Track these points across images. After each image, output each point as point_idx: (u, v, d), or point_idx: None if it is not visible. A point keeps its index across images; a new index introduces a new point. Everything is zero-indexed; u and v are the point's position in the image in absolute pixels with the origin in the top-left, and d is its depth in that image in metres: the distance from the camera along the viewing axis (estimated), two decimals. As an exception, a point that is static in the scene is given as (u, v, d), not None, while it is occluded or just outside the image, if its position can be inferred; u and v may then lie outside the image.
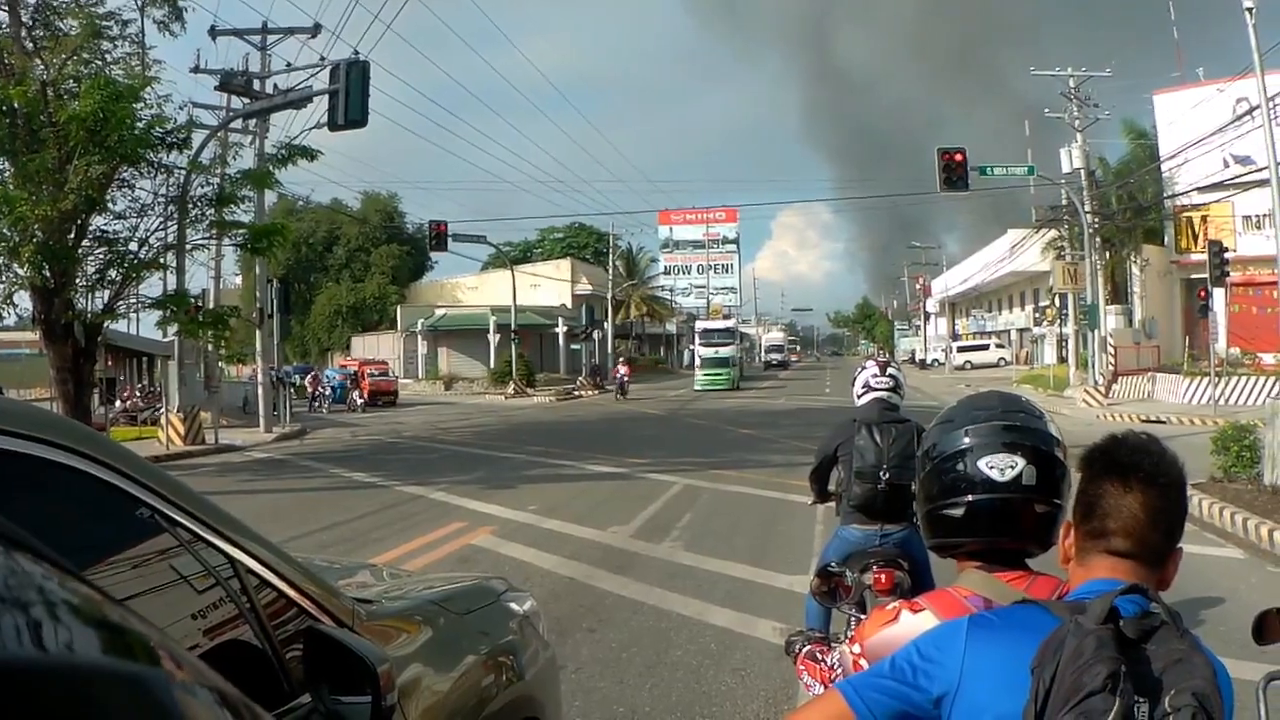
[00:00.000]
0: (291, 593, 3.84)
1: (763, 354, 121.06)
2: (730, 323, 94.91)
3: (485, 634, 5.40)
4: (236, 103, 41.32)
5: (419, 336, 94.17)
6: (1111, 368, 56.64)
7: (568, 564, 15.82)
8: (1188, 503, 2.81)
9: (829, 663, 3.90)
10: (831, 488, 9.23)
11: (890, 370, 9.09)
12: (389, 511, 21.85)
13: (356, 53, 32.11)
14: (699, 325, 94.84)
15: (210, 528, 3.43)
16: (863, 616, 5.00)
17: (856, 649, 3.40)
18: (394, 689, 3.66)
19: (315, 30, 42.23)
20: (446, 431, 43.62)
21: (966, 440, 3.29)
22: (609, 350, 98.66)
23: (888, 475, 8.21)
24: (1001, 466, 3.20)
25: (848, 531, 8.54)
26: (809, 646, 4.23)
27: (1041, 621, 2.53)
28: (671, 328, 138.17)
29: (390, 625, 4.68)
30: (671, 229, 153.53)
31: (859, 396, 8.95)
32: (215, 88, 41.72)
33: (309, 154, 32.15)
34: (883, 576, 7.91)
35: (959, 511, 3.25)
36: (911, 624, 3.18)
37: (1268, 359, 49.98)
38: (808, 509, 17.42)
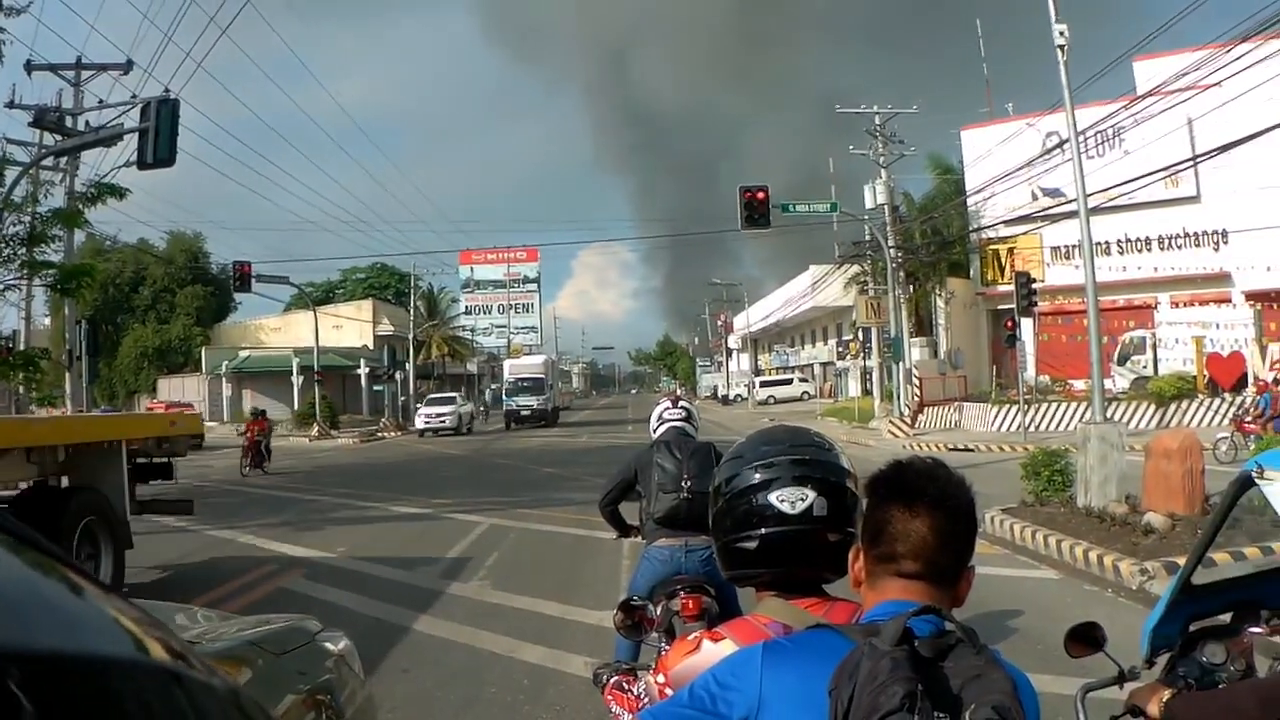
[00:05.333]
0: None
1: (504, 393, 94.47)
2: (540, 363, 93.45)
3: (303, 674, 5.37)
4: (50, 139, 40.62)
5: (223, 379, 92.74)
6: (917, 399, 57.59)
7: (377, 604, 15.83)
8: (977, 524, 2.91)
9: (635, 692, 3.99)
10: (633, 522, 9.55)
11: (682, 403, 9.64)
12: (199, 555, 21.70)
13: (168, 90, 31.66)
14: (507, 368, 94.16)
15: None
16: (668, 647, 5.10)
17: (661, 678, 3.48)
18: None
19: (128, 67, 41.66)
20: (253, 474, 43.15)
21: (757, 476, 3.39)
22: (411, 391, 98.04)
23: (689, 484, 8.51)
24: (792, 499, 3.31)
25: (655, 550, 8.72)
26: (616, 677, 4.32)
27: (836, 645, 2.59)
28: (473, 368, 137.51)
29: (216, 664, 4.62)
30: (473, 269, 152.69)
31: (655, 430, 9.37)
32: (29, 124, 40.96)
33: (118, 192, 31.69)
34: (690, 603, 8.11)
35: (753, 544, 3.34)
36: (712, 652, 3.23)
37: (1079, 385, 51.09)
38: (613, 545, 16.88)
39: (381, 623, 14.57)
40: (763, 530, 3.32)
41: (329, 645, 5.97)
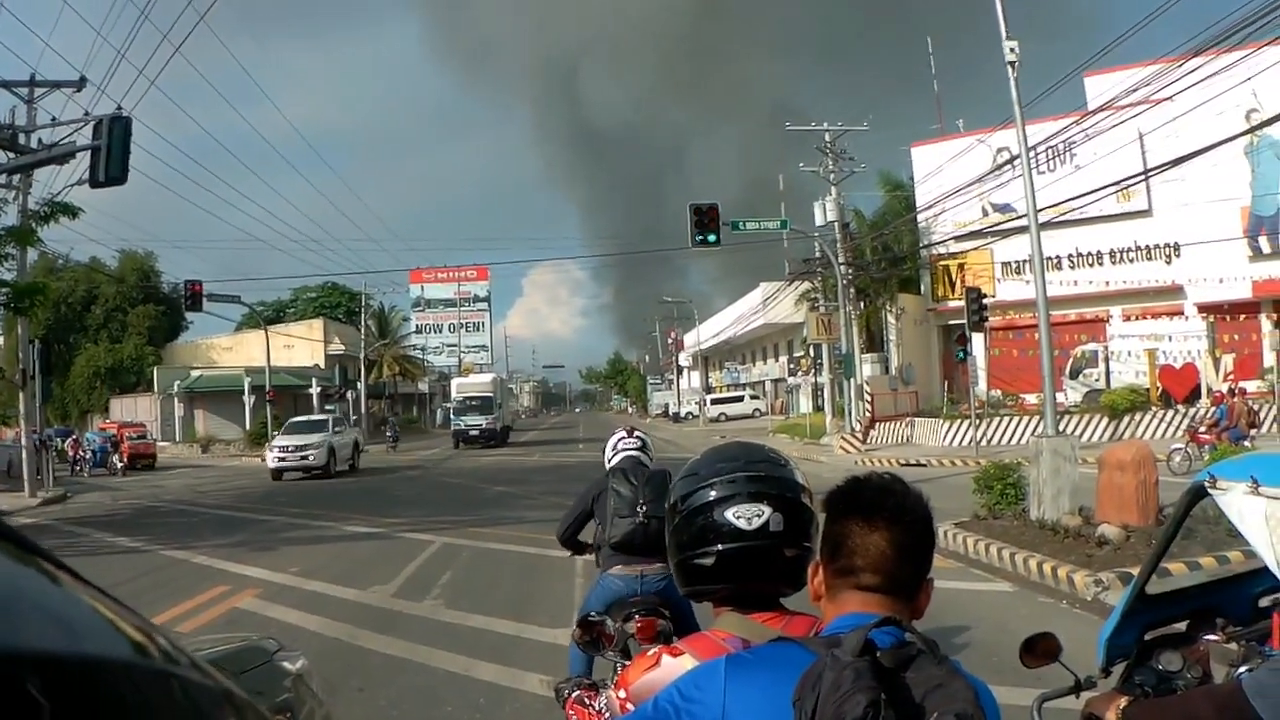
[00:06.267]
0: None
1: (452, 413, 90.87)
2: (488, 382, 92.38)
3: (260, 694, 5.29)
4: (2, 156, 40.33)
5: (175, 398, 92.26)
6: (868, 415, 57.67)
7: (332, 624, 15.78)
8: (934, 536, 2.94)
9: (597, 707, 4.05)
10: (589, 540, 9.57)
11: (637, 433, 9.67)
12: (153, 576, 21.53)
13: (120, 108, 31.49)
14: (455, 386, 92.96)
15: None
16: (627, 663, 5.07)
17: (622, 694, 3.44)
18: None
19: (81, 84, 41.38)
20: (206, 495, 42.93)
21: (713, 493, 3.41)
22: (363, 410, 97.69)
23: (644, 508, 8.50)
24: (748, 515, 3.32)
25: (609, 580, 8.75)
26: (578, 691, 4.30)
27: (798, 657, 2.57)
28: (424, 387, 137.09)
29: None
30: (423, 288, 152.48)
31: (611, 460, 9.34)
32: (-18, 142, 40.64)
33: (71, 211, 31.62)
34: (645, 625, 8.13)
35: (710, 560, 3.37)
36: (672, 667, 3.23)
37: (1030, 399, 51.29)
38: (566, 563, 16.83)
39: (336, 642, 14.54)
40: (720, 546, 3.34)
41: (286, 665, 5.95)
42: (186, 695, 1.31)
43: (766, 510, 3.33)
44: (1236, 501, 4.22)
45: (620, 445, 9.45)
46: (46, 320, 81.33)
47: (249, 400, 79.56)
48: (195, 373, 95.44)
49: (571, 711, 4.28)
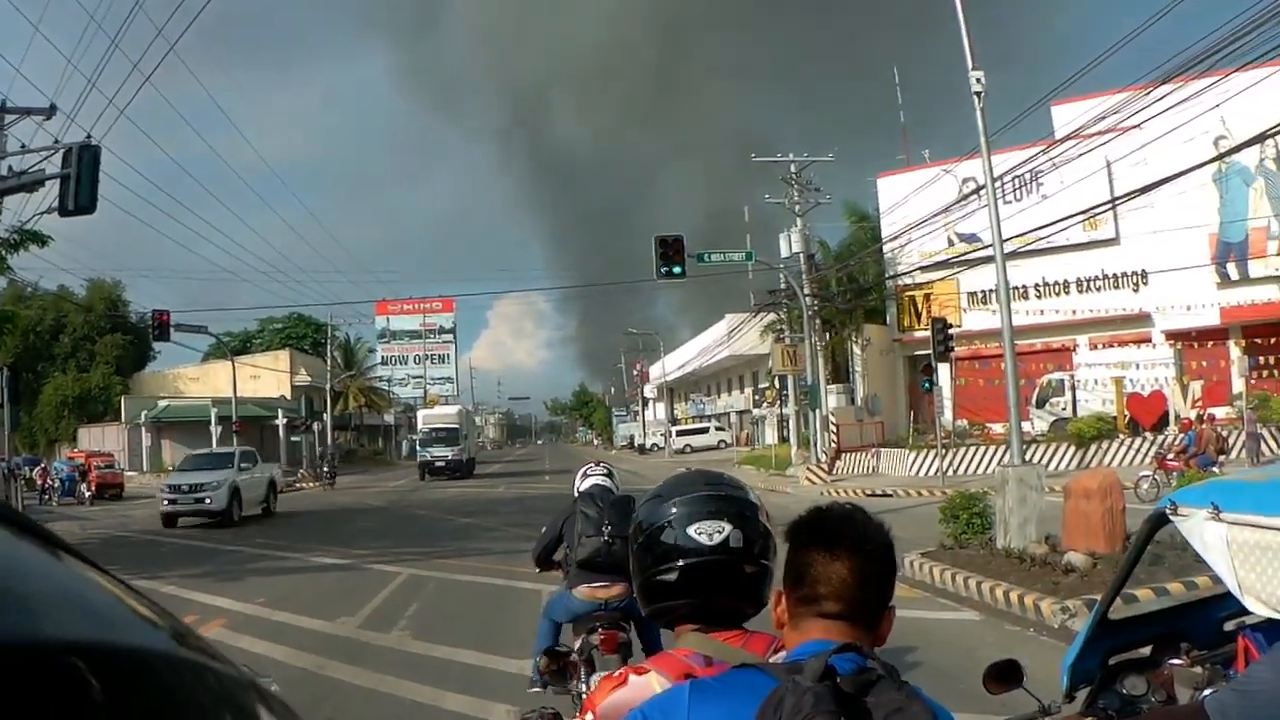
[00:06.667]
0: None
1: (418, 444, 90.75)
2: (454, 413, 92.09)
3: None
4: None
5: (143, 428, 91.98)
6: (834, 445, 57.81)
7: (299, 655, 15.75)
8: (896, 565, 3.03)
9: None
10: (556, 558, 10.41)
11: (604, 465, 10.82)
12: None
13: (89, 136, 31.39)
14: (421, 418, 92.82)
15: None
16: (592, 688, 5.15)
17: (589, 717, 3.47)
18: None
19: (51, 111, 41.25)
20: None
21: (674, 510, 3.54)
22: (329, 441, 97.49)
23: (609, 529, 9.10)
24: (709, 531, 3.45)
25: (571, 599, 9.50)
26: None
27: (760, 683, 2.61)
28: (390, 418, 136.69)
29: None
30: (389, 319, 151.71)
31: (580, 486, 10.25)
32: (-48, 170, 40.43)
33: (40, 239, 31.56)
34: (607, 638, 8.90)
35: (673, 576, 3.48)
36: (638, 685, 3.34)
37: (997, 428, 51.22)
38: (532, 594, 18.13)
39: (304, 672, 14.50)
40: (682, 562, 3.45)
41: (266, 688, 5.83)
42: (220, 684, 1.34)
43: (727, 527, 3.45)
44: (1198, 527, 4.26)
45: (589, 473, 10.43)
46: (15, 349, 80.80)
47: (215, 431, 79.07)
48: (162, 403, 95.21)
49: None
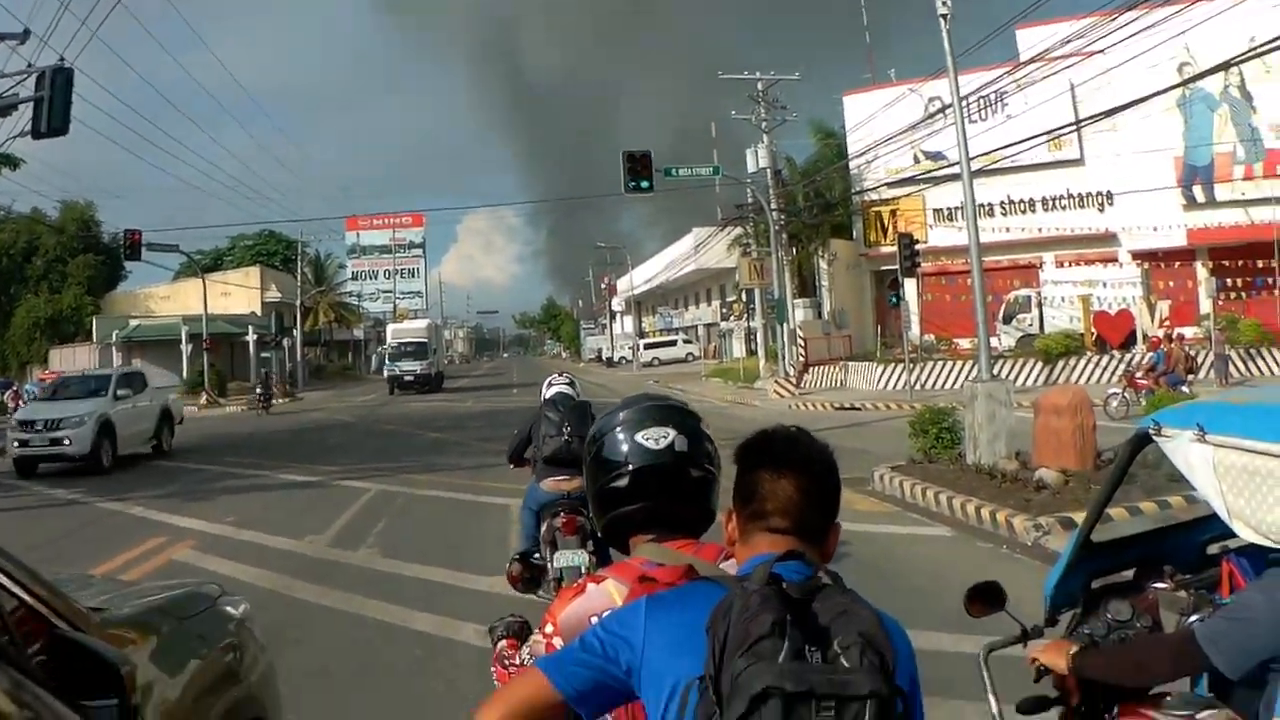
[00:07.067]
0: (30, 599, 4.00)
1: (387, 358, 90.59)
2: (423, 328, 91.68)
3: (204, 637, 5.61)
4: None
5: (114, 348, 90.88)
6: (802, 359, 57.83)
7: (268, 575, 15.69)
8: (839, 484, 3.15)
9: (518, 661, 4.06)
10: (527, 456, 12.17)
11: (566, 375, 12.96)
12: (92, 528, 21.46)
13: (62, 59, 31.10)
14: (390, 332, 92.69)
15: None
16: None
17: (550, 628, 3.54)
18: (137, 690, 3.91)
19: (24, 36, 40.93)
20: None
21: (622, 415, 3.78)
22: (299, 358, 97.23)
23: (568, 429, 11.10)
24: (655, 437, 3.65)
25: (539, 490, 11.43)
26: (502, 642, 4.34)
27: (714, 594, 2.77)
28: (360, 333, 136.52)
29: (122, 631, 4.78)
30: (359, 235, 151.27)
31: (545, 394, 12.26)
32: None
33: (12, 162, 31.38)
34: (569, 521, 10.68)
35: (624, 481, 3.65)
36: (595, 593, 3.47)
37: (964, 344, 51.49)
38: (500, 509, 19.73)
39: (272, 594, 14.41)
40: (631, 466, 3.65)
41: (230, 609, 6.28)
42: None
43: (671, 433, 3.68)
44: (1182, 449, 4.22)
45: (553, 382, 12.50)
46: (-13, 272, 79.95)
47: (186, 349, 78.88)
48: (134, 322, 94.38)
49: (494, 669, 4.31)
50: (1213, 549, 5.20)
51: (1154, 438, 4.42)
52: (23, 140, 31.21)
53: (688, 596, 2.96)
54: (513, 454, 12.48)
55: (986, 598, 5.17)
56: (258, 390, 66.61)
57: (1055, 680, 5.06)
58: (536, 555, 10.65)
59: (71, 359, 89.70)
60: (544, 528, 11.06)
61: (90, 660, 3.91)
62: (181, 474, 31.17)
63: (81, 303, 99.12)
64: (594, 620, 3.22)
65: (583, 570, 10.06)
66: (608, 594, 3.44)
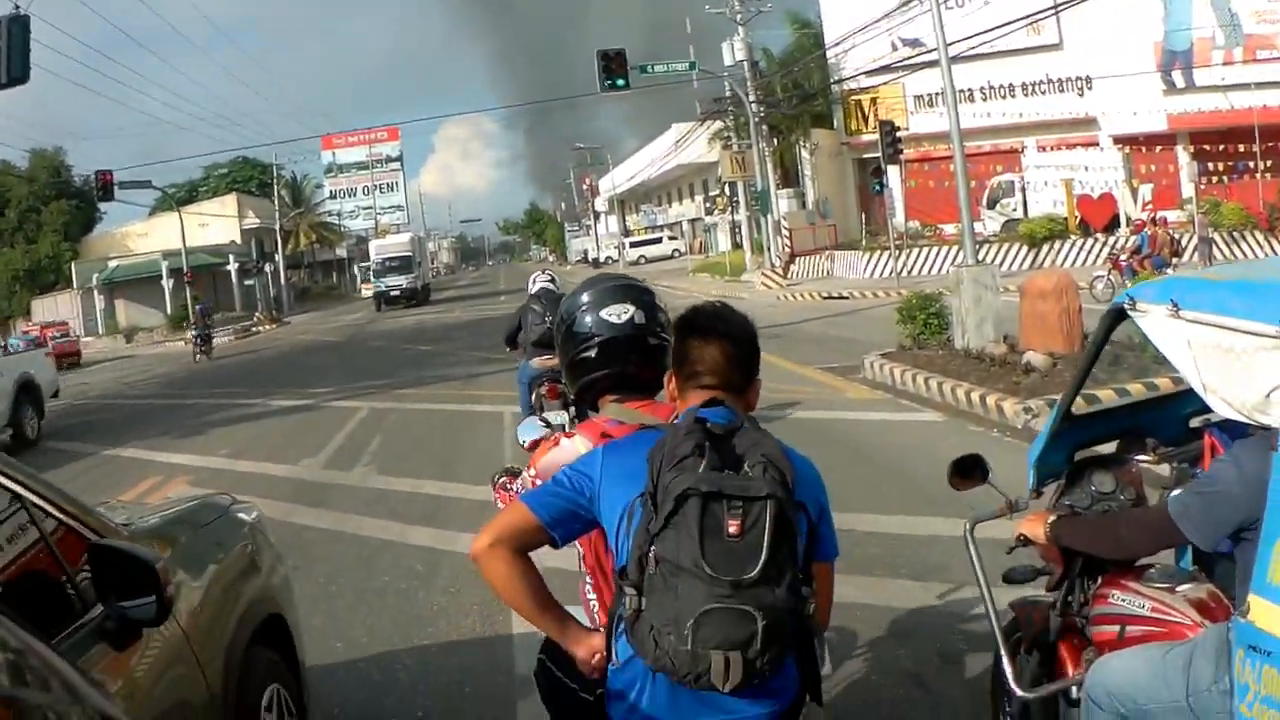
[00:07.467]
0: (69, 520, 4.57)
1: (372, 275, 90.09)
2: (406, 241, 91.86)
3: (220, 543, 6.21)
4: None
5: (95, 291, 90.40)
6: (788, 250, 57.89)
7: (264, 503, 15.41)
8: (759, 349, 4.01)
9: (514, 489, 4.95)
10: (519, 340, 15.90)
11: (548, 272, 17.15)
12: (86, 475, 21.24)
13: (17, 6, 30.84)
14: (373, 248, 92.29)
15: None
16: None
17: (532, 472, 4.47)
18: (172, 584, 4.28)
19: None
20: (132, 386, 42.22)
21: (586, 297, 4.63)
22: (282, 282, 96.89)
23: (549, 318, 14.14)
24: (617, 313, 4.51)
25: (528, 366, 15.44)
26: (503, 478, 5.54)
27: (655, 437, 3.59)
28: (343, 252, 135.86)
29: (148, 542, 5.17)
30: (335, 153, 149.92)
31: (531, 290, 16.05)
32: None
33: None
34: (552, 389, 14.65)
35: (593, 352, 4.50)
36: (566, 446, 4.37)
37: (949, 229, 51.51)
38: (492, 417, 20.90)
39: (271, 521, 14.34)
40: (598, 338, 4.51)
41: (242, 515, 6.92)
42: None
43: (631, 308, 4.53)
44: (1157, 324, 4.24)
45: (537, 279, 16.40)
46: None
47: (168, 284, 78.45)
48: (112, 263, 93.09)
49: (496, 495, 5.45)
50: (1195, 422, 5.24)
51: (1129, 313, 4.44)
52: (-16, 94, 30.96)
53: (635, 441, 3.81)
54: (507, 339, 16.37)
55: (969, 471, 5.41)
56: (191, 332, 54.35)
57: (1041, 551, 5.23)
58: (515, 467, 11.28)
59: (54, 308, 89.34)
60: (534, 396, 15.04)
61: (127, 563, 4.26)
62: (173, 411, 31.03)
63: (59, 250, 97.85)
64: (563, 467, 3.92)
65: (565, 428, 10.56)
66: (574, 447, 4.29)
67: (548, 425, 11.31)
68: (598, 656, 3.73)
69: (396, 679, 8.63)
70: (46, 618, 4.04)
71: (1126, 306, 4.46)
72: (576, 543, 4.13)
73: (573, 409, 11.16)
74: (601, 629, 3.82)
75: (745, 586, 3.24)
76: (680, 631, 3.25)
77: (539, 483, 4.19)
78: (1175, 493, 4.40)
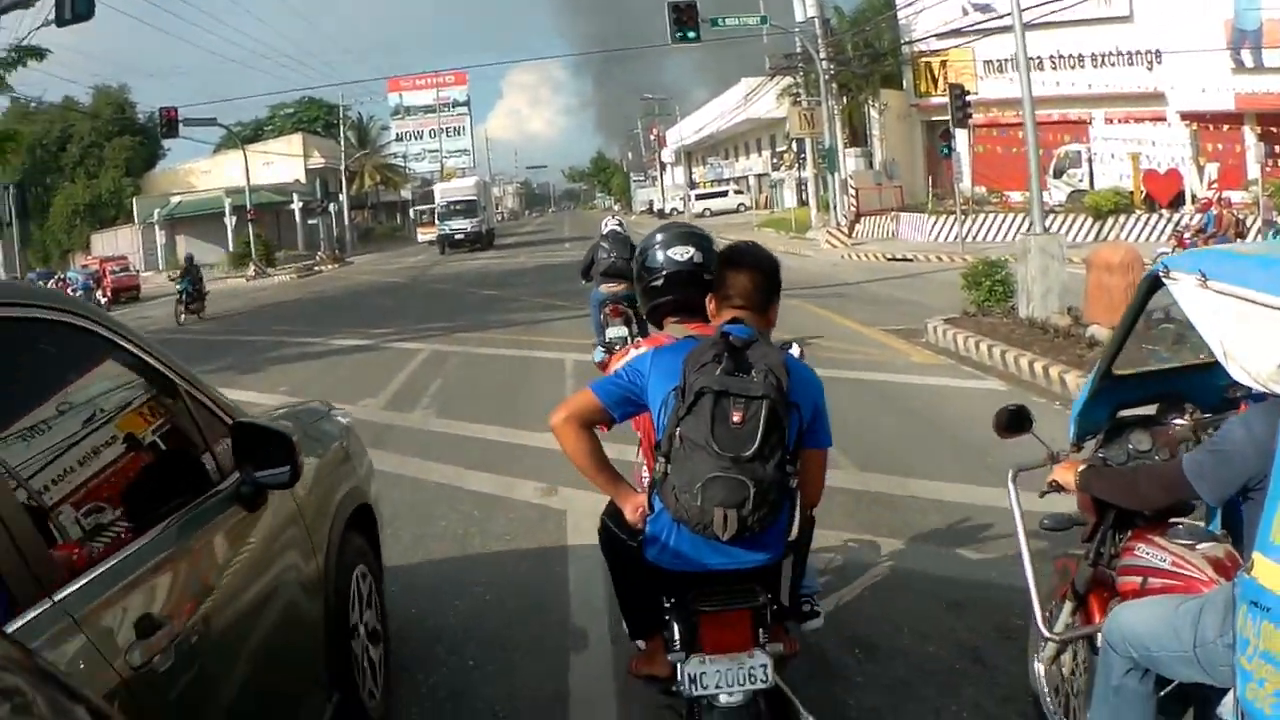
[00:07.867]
0: (210, 404, 5.36)
1: (437, 218, 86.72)
2: (472, 185, 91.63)
3: (320, 440, 7.08)
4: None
5: (156, 227, 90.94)
6: (853, 209, 57.63)
7: (322, 441, 15.74)
8: (780, 280, 5.40)
9: (612, 369, 5.73)
10: (593, 272, 18.57)
11: (617, 217, 20.70)
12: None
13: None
14: (438, 192, 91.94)
15: (156, 358, 4.85)
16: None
17: (616, 365, 5.52)
18: (302, 454, 5.01)
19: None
20: (191, 321, 42.40)
21: (659, 238, 5.93)
22: (346, 223, 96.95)
23: (614, 254, 17.76)
24: (681, 252, 5.73)
25: (598, 291, 18.12)
26: (606, 356, 8.86)
27: (693, 344, 4.78)
28: (407, 194, 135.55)
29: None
30: (401, 96, 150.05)
31: (603, 231, 18.88)
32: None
33: (38, 54, 31.37)
34: (614, 309, 17.72)
35: (660, 281, 5.74)
36: (637, 353, 5.45)
37: (1015, 196, 51.12)
38: (554, 364, 21.62)
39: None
40: (665, 271, 5.74)
41: (340, 418, 8.07)
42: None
43: (692, 249, 5.75)
44: (1187, 293, 4.50)
45: (608, 223, 19.33)
46: (21, 165, 79.69)
47: (230, 221, 78.39)
48: (175, 199, 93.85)
49: (600, 369, 7.20)
50: (1233, 392, 5.37)
51: (1163, 280, 4.73)
52: (48, 31, 31.04)
53: (677, 347, 4.98)
54: (583, 272, 19.22)
55: (1013, 422, 5.94)
56: (178, 288, 45.59)
57: (1079, 501, 5.68)
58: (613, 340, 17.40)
59: (114, 243, 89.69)
60: (602, 315, 17.96)
61: (265, 437, 5.12)
62: (232, 347, 31.20)
63: (120, 185, 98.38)
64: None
65: (626, 340, 16.49)
66: (641, 353, 5.33)
67: (607, 349, 16.28)
68: (640, 510, 5.05)
69: (448, 625, 8.67)
70: (190, 484, 4.89)
71: (1161, 274, 4.76)
72: (637, 433, 5.75)
73: (634, 324, 17.06)
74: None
75: (743, 461, 4.48)
76: (692, 491, 4.49)
77: None
78: (1190, 451, 4.78)
